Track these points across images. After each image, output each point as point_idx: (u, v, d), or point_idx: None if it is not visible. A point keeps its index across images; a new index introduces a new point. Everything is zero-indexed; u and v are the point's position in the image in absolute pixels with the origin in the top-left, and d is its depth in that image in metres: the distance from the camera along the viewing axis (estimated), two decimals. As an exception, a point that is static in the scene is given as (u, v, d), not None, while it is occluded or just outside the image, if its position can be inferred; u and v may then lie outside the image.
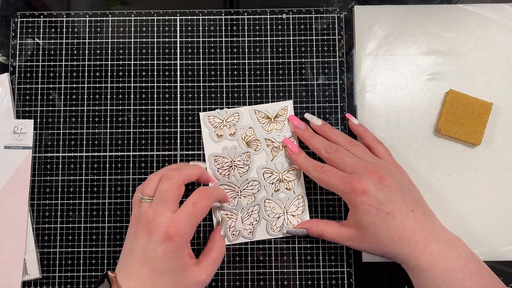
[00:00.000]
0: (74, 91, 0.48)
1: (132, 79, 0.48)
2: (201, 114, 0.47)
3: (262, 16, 0.48)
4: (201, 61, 0.48)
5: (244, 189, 0.46)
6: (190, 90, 0.47)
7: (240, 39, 0.48)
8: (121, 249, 0.39)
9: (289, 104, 0.47)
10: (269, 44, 0.48)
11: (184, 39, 0.48)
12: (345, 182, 0.39)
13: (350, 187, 0.38)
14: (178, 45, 0.48)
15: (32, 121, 0.47)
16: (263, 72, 0.48)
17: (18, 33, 0.48)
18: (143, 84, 0.48)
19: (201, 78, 0.48)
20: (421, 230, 0.37)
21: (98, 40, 0.48)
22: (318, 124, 0.45)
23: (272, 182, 0.46)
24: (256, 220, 0.46)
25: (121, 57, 0.48)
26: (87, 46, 0.48)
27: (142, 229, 0.37)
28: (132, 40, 0.48)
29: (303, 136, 0.45)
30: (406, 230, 0.37)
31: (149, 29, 0.48)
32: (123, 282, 0.36)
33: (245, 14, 0.48)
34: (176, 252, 0.37)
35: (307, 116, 0.46)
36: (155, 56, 0.48)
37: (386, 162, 0.41)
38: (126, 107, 0.47)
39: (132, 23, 0.48)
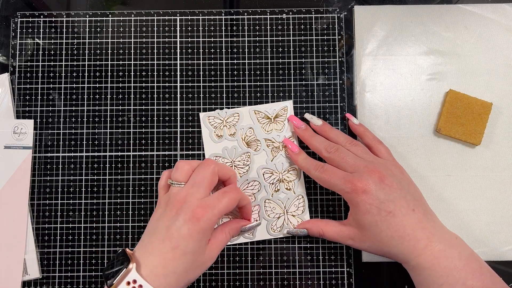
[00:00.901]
0: (74, 91, 0.48)
1: (132, 79, 0.48)
2: (201, 114, 0.47)
3: (262, 16, 0.48)
4: (201, 61, 0.48)
5: (244, 189, 0.46)
6: (190, 90, 0.47)
7: (240, 39, 0.48)
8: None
9: (289, 104, 0.47)
10: (269, 44, 0.48)
11: (184, 39, 0.48)
12: (346, 181, 0.39)
13: (351, 186, 0.38)
14: (178, 45, 0.48)
15: (32, 121, 0.47)
16: (263, 72, 0.48)
17: (18, 33, 0.48)
18: (143, 84, 0.48)
19: (201, 78, 0.48)
20: (421, 229, 0.37)
21: (98, 40, 0.48)
22: (318, 124, 0.45)
23: (272, 182, 0.46)
24: (256, 220, 0.46)
25: (121, 57, 0.48)
26: (87, 46, 0.48)
27: (171, 209, 0.37)
28: (132, 40, 0.48)
29: (303, 136, 0.45)
30: (406, 229, 0.37)
31: (149, 29, 0.48)
32: (141, 259, 0.36)
33: (245, 14, 0.48)
34: (201, 233, 0.37)
35: (307, 116, 0.46)
36: (155, 56, 0.48)
37: (386, 161, 0.41)
38: (126, 107, 0.47)
39: (132, 23, 0.48)
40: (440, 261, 0.36)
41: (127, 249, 0.37)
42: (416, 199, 0.39)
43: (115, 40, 0.48)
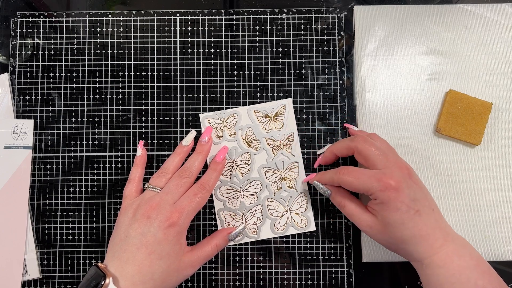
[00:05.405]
0: (74, 91, 0.47)
1: (132, 79, 0.48)
2: (201, 115, 0.47)
3: (262, 16, 0.48)
4: (201, 61, 0.48)
5: (246, 189, 0.46)
6: (190, 90, 0.47)
7: (240, 39, 0.48)
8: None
9: (287, 102, 0.47)
10: (269, 44, 0.48)
11: (184, 39, 0.48)
12: (378, 179, 0.37)
13: (383, 184, 0.37)
14: (178, 45, 0.48)
15: (32, 121, 0.47)
16: (263, 72, 0.48)
17: (18, 33, 0.48)
18: (143, 84, 0.48)
19: (201, 78, 0.48)
20: (439, 229, 0.37)
21: (98, 40, 0.48)
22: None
23: (274, 181, 0.46)
24: (259, 220, 0.46)
25: (121, 57, 0.48)
26: (87, 46, 0.48)
27: (143, 215, 0.39)
28: (132, 40, 0.48)
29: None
30: (428, 229, 0.37)
31: (149, 29, 0.48)
32: (116, 270, 0.37)
33: (245, 14, 0.48)
34: (176, 236, 0.38)
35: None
36: (155, 56, 0.48)
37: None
38: (126, 107, 0.47)
39: (132, 23, 0.48)
40: (454, 260, 0.36)
41: (99, 264, 0.37)
42: (431, 198, 0.39)
43: (115, 40, 0.48)
